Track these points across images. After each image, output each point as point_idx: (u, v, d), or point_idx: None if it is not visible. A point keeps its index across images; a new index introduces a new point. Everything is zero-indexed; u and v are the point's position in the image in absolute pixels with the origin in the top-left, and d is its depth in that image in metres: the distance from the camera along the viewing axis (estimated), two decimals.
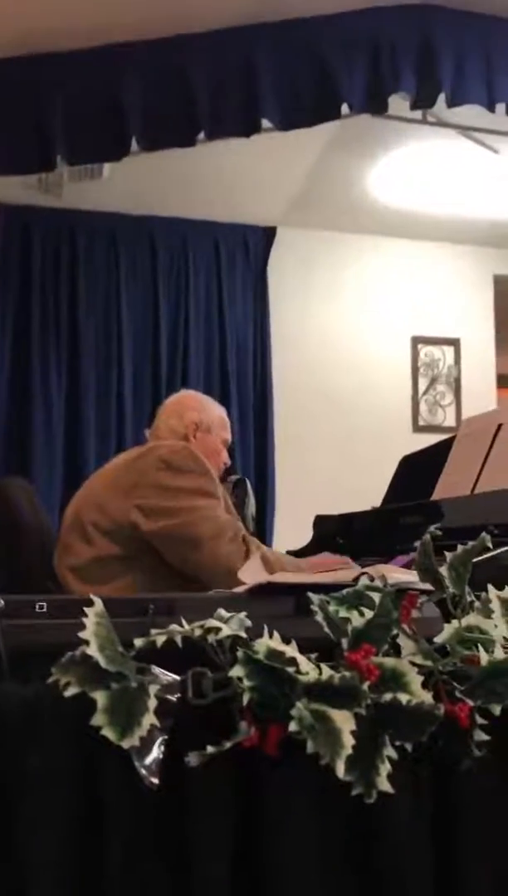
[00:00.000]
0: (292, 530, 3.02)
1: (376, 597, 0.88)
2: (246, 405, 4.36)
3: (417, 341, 4.70)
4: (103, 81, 2.91)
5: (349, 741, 0.76)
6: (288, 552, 2.36)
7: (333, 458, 4.39)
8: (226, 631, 0.81)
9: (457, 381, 4.73)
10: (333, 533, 2.32)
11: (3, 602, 1.05)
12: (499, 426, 2.05)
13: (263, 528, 4.15)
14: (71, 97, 2.90)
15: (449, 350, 4.73)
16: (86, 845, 0.83)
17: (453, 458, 2.17)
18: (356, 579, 1.26)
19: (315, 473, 4.32)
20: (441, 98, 2.97)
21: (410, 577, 1.24)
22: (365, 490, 2.57)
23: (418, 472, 2.36)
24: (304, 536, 2.45)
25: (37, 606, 1.17)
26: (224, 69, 2.92)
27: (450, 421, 4.67)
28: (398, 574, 1.27)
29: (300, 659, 0.79)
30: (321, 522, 2.48)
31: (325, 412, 4.47)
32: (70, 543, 1.91)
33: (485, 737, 0.84)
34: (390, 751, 0.79)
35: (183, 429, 2.07)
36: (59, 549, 1.94)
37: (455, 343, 4.74)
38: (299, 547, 2.41)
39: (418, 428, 4.64)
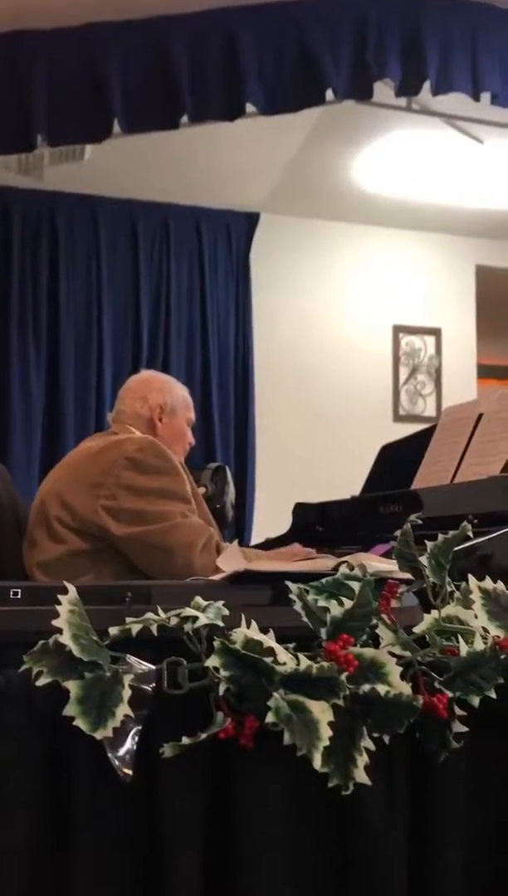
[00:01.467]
0: (271, 518, 3.01)
1: (355, 586, 0.87)
2: (226, 392, 4.33)
3: (398, 330, 4.69)
4: (86, 62, 2.86)
5: (326, 732, 0.75)
6: (267, 539, 2.34)
7: (312, 446, 4.38)
8: (203, 620, 0.80)
9: (438, 370, 4.73)
10: (312, 521, 2.31)
11: None
12: (479, 416, 2.04)
13: (242, 516, 4.14)
14: (53, 77, 2.85)
15: (430, 340, 4.73)
16: (55, 835, 0.82)
17: (433, 448, 2.16)
18: (336, 568, 1.25)
19: (295, 461, 4.31)
20: (426, 86, 2.94)
21: (389, 566, 1.23)
22: (345, 478, 2.56)
23: (398, 461, 2.36)
24: (283, 524, 2.44)
25: (11, 593, 1.16)
26: (209, 52, 2.88)
27: (430, 411, 4.68)
28: (378, 563, 1.26)
29: (278, 649, 0.78)
30: (300, 510, 2.47)
31: (305, 400, 4.46)
32: (37, 539, 1.87)
33: (463, 728, 0.83)
34: (367, 742, 0.79)
35: (148, 412, 2.03)
36: (26, 543, 1.90)
37: (436, 333, 4.74)
38: (277, 535, 2.40)
39: (398, 417, 4.64)
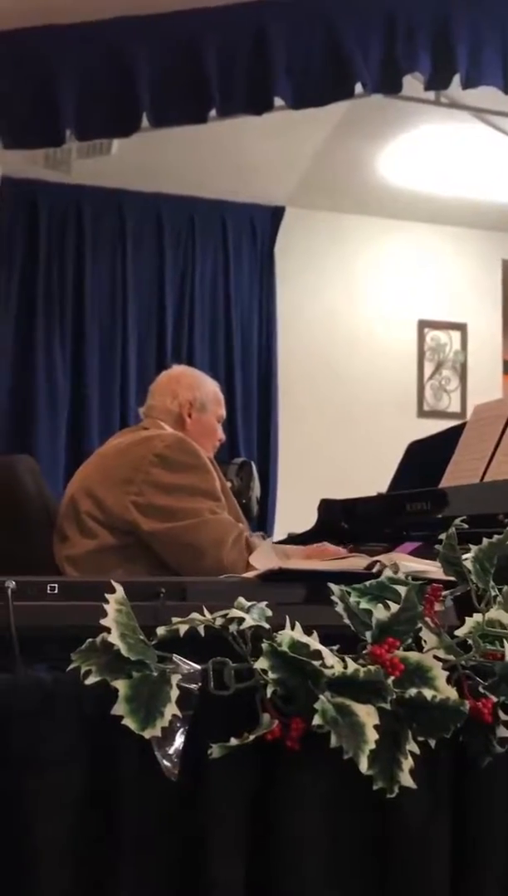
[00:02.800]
0: (293, 513, 3.01)
1: (400, 589, 0.87)
2: (250, 387, 4.34)
3: (423, 325, 4.67)
4: (114, 56, 2.87)
5: (372, 736, 0.75)
6: (290, 535, 2.34)
7: (337, 441, 4.37)
8: (249, 621, 0.81)
9: (463, 366, 4.70)
10: (338, 518, 2.30)
11: (14, 583, 1.04)
12: None
13: (265, 511, 4.14)
14: (81, 72, 2.86)
15: (456, 335, 4.70)
16: (100, 834, 0.83)
17: (462, 445, 2.15)
18: (370, 567, 1.25)
19: (318, 456, 4.31)
20: (456, 80, 2.92)
21: (422, 566, 1.23)
22: (368, 474, 2.56)
23: (425, 458, 2.35)
24: (306, 520, 2.44)
25: (48, 588, 1.17)
26: (237, 46, 2.87)
27: (455, 406, 4.65)
28: (412, 563, 1.26)
29: (325, 652, 0.78)
30: (325, 507, 2.46)
31: (329, 395, 4.45)
32: (67, 533, 1.89)
33: (507, 733, 0.83)
34: (412, 746, 0.79)
35: (178, 408, 2.04)
36: (56, 537, 1.92)
37: (461, 328, 4.71)
38: (301, 531, 2.40)
39: (422, 413, 4.62)
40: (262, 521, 4.01)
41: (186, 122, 2.98)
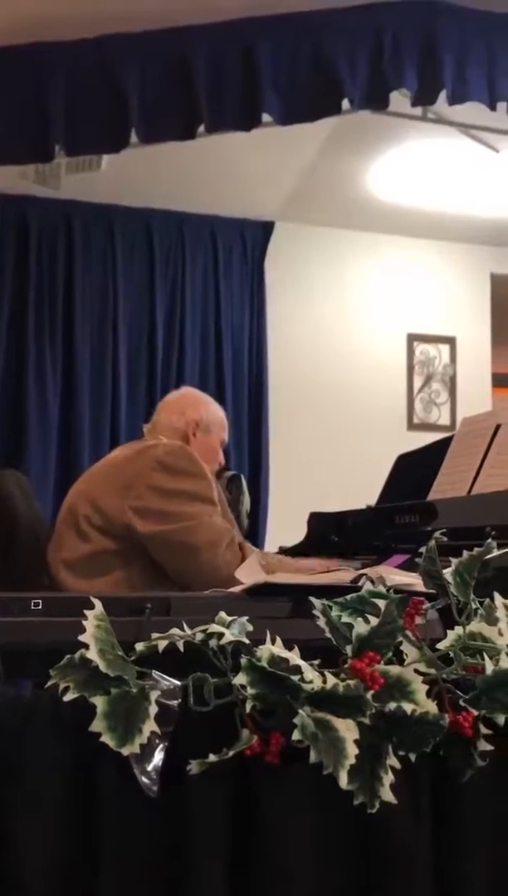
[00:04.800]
0: (284, 526, 3.01)
1: (380, 602, 0.86)
2: (241, 400, 4.34)
3: (413, 339, 4.69)
4: (104, 72, 2.88)
5: (352, 750, 0.75)
6: (281, 548, 2.35)
7: (326, 454, 4.37)
8: (229, 636, 0.80)
9: (452, 379, 4.72)
10: (327, 530, 2.30)
11: None
12: (497, 426, 2.04)
13: (255, 524, 4.13)
14: (70, 87, 2.87)
15: (445, 348, 4.72)
16: (82, 851, 0.82)
17: (450, 458, 2.16)
18: (355, 580, 1.25)
19: (309, 470, 4.31)
20: (442, 96, 2.94)
21: (408, 578, 1.23)
22: (358, 487, 2.56)
23: (414, 470, 2.35)
24: (297, 533, 2.44)
25: (32, 604, 1.16)
26: (226, 62, 2.89)
27: (445, 419, 4.66)
28: (397, 576, 1.26)
29: (304, 666, 0.78)
30: (315, 519, 2.47)
31: (319, 408, 4.46)
32: (64, 537, 1.89)
33: (489, 747, 0.83)
34: (393, 760, 0.78)
35: (183, 426, 2.06)
36: (53, 541, 1.93)
37: (450, 341, 4.73)
38: (291, 544, 2.40)
39: (412, 426, 4.63)
40: (252, 534, 4.00)
41: (175, 137, 2.99)
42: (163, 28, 2.88)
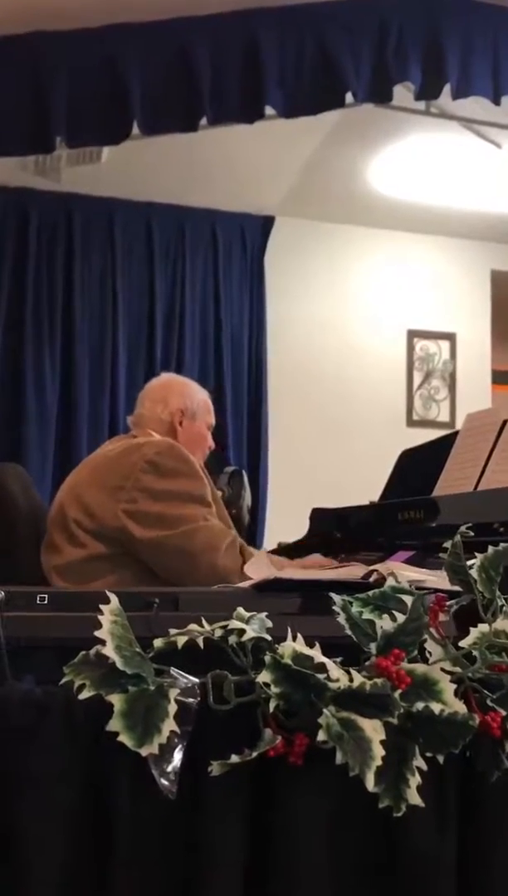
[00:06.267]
0: (283, 522, 2.99)
1: (406, 599, 0.84)
2: (240, 395, 4.32)
3: (413, 335, 4.67)
4: (105, 63, 2.85)
5: (379, 752, 0.73)
6: (280, 544, 2.32)
7: (326, 450, 4.36)
8: (249, 633, 0.78)
9: (452, 376, 4.70)
10: (330, 527, 2.28)
11: (3, 593, 1.01)
12: (504, 422, 2.02)
13: (255, 520, 4.12)
14: (72, 78, 2.84)
15: (445, 345, 4.71)
16: (95, 853, 0.80)
17: (455, 454, 2.14)
18: (367, 576, 1.23)
19: (308, 466, 4.29)
20: (446, 90, 2.92)
21: (420, 574, 1.21)
22: (358, 483, 2.54)
23: (418, 467, 2.33)
24: (295, 529, 2.41)
25: (38, 598, 1.14)
26: (229, 54, 2.86)
27: (444, 416, 4.65)
28: (408, 572, 1.24)
29: (330, 665, 0.76)
30: (317, 516, 2.44)
31: (319, 404, 4.44)
32: (56, 542, 1.86)
33: None
34: (419, 762, 0.76)
35: (168, 416, 2.02)
36: (44, 546, 1.89)
37: (450, 338, 4.71)
38: (290, 540, 2.38)
39: (412, 422, 4.61)
40: (253, 530, 3.99)
41: (177, 130, 2.96)
42: (165, 19, 2.85)
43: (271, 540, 3.69)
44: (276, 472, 4.32)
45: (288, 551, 2.04)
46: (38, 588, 1.23)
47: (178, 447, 1.88)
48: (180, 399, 2.05)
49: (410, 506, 1.87)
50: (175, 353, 4.20)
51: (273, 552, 2.19)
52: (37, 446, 3.92)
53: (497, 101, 3.01)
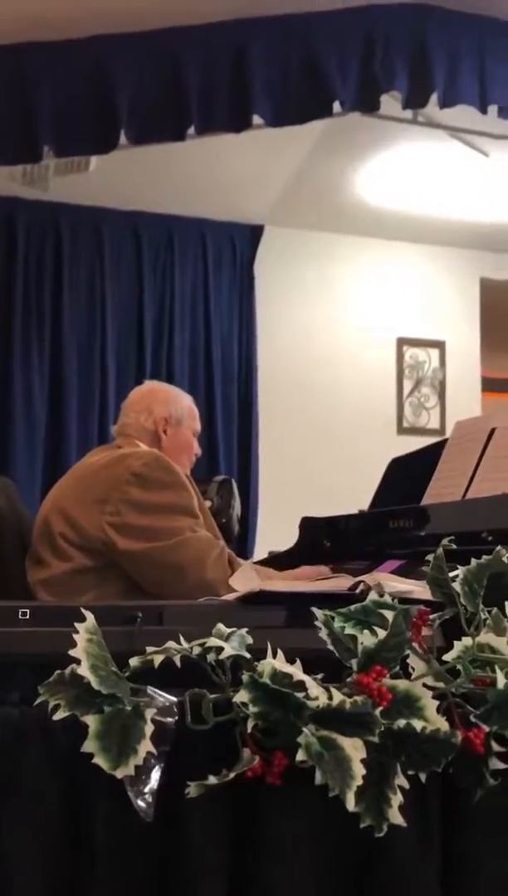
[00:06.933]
0: (274, 531, 2.98)
1: (386, 613, 0.83)
2: (230, 404, 4.31)
3: (402, 343, 4.67)
4: (93, 73, 2.84)
5: (359, 771, 0.71)
6: (271, 553, 2.30)
7: (316, 458, 4.35)
8: (228, 651, 0.76)
9: (442, 383, 4.71)
10: (320, 536, 2.27)
11: None
12: (492, 430, 2.01)
13: (245, 529, 4.10)
14: (60, 88, 2.83)
15: (434, 352, 4.71)
16: (74, 876, 0.78)
17: (444, 462, 2.13)
18: (353, 588, 1.21)
19: (298, 474, 4.28)
20: (433, 99, 2.93)
21: (407, 586, 1.20)
22: (348, 491, 2.53)
23: (407, 475, 2.32)
24: (286, 538, 2.40)
25: (19, 614, 1.12)
26: (216, 63, 2.86)
27: (434, 423, 4.65)
28: (395, 583, 1.22)
29: (309, 682, 0.74)
30: (307, 525, 2.43)
31: (309, 413, 4.43)
32: (41, 556, 1.83)
33: (501, 765, 0.79)
34: (402, 780, 0.75)
35: (152, 425, 1.99)
36: (29, 560, 1.87)
37: (440, 346, 4.72)
38: (281, 548, 2.36)
39: (402, 430, 4.61)
40: (243, 539, 3.97)
41: (165, 139, 2.96)
42: (153, 29, 2.85)
43: (262, 548, 3.67)
44: (266, 481, 4.31)
45: (278, 561, 2.03)
46: (20, 602, 1.21)
47: (163, 458, 1.86)
48: (164, 407, 2.03)
49: (399, 515, 1.86)
50: (165, 363, 4.19)
51: (264, 562, 2.18)
52: (25, 457, 3.90)
53: (483, 110, 3.02)
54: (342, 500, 2.39)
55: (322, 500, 2.57)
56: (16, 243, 3.99)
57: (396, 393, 4.65)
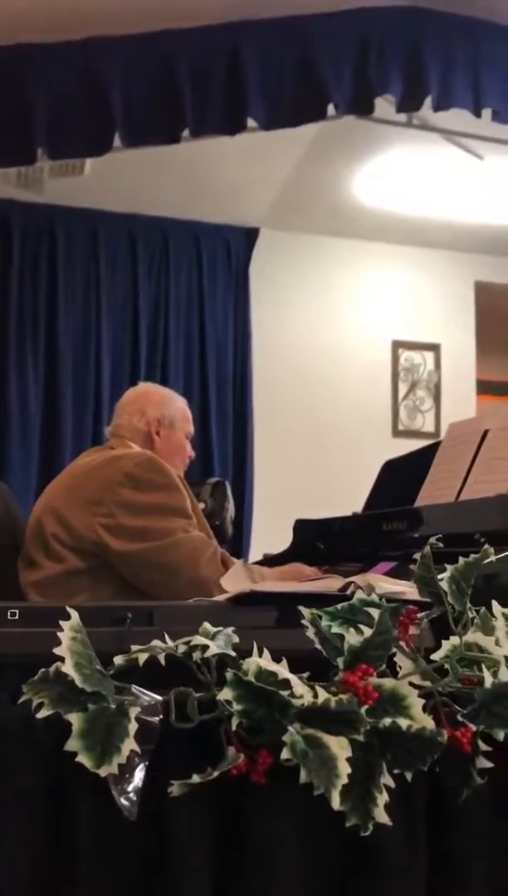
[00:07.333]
0: (269, 533, 2.97)
1: (373, 612, 0.82)
2: (225, 407, 4.30)
3: (397, 346, 4.67)
4: (88, 75, 2.85)
5: (345, 770, 0.71)
6: (265, 555, 2.30)
7: (311, 461, 4.35)
8: (213, 649, 0.76)
9: (437, 386, 4.71)
10: (313, 538, 2.27)
11: None
12: (485, 432, 2.01)
13: (240, 531, 4.10)
14: (54, 90, 2.83)
15: (430, 355, 4.71)
16: (58, 876, 0.78)
17: (437, 464, 2.13)
18: (344, 588, 1.21)
19: (293, 476, 4.28)
20: (427, 102, 2.94)
21: (398, 587, 1.19)
22: (343, 494, 2.53)
23: (401, 477, 2.32)
24: (281, 540, 2.40)
25: (8, 614, 1.11)
26: (211, 66, 2.87)
27: (429, 426, 4.65)
28: (386, 584, 1.22)
29: (294, 681, 0.74)
30: (301, 526, 2.43)
31: (304, 415, 4.43)
32: (34, 557, 1.83)
33: (488, 764, 0.79)
34: (387, 779, 0.74)
35: (146, 426, 1.98)
36: (22, 563, 1.86)
37: (435, 348, 4.72)
38: (276, 551, 2.36)
39: (397, 433, 4.61)
40: (237, 541, 3.97)
41: (159, 142, 2.96)
42: (148, 31, 2.85)
43: (257, 551, 3.67)
44: (262, 483, 4.30)
45: (273, 563, 2.02)
46: (9, 603, 1.20)
47: (156, 459, 1.86)
48: (158, 408, 2.02)
49: (392, 517, 1.85)
50: (160, 365, 4.19)
51: (258, 563, 2.17)
52: (20, 459, 3.89)
53: (477, 114, 3.02)
54: (337, 502, 2.39)
55: (317, 503, 2.57)
56: (10, 246, 3.99)
57: (391, 396, 4.65)
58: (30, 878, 0.78)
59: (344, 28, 2.92)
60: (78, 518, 1.77)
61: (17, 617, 1.11)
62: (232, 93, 2.86)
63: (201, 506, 2.39)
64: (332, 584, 1.31)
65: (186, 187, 3.96)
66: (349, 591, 1.16)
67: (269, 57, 2.88)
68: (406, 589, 1.13)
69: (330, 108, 2.91)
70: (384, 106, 3.00)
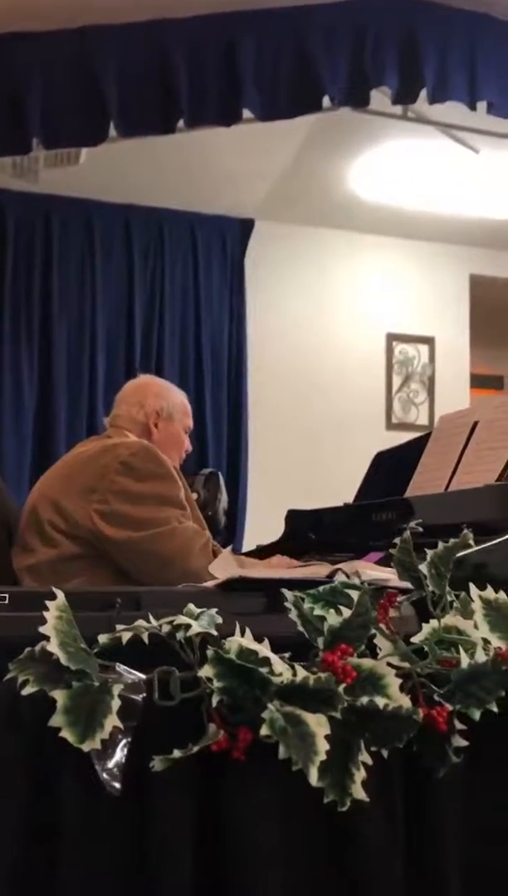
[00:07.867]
0: (262, 524, 2.98)
1: (353, 594, 0.84)
2: (220, 398, 4.31)
3: (392, 339, 4.69)
4: (82, 64, 2.84)
5: (323, 746, 0.72)
6: (258, 546, 2.32)
7: (305, 453, 4.36)
8: (195, 628, 0.77)
9: (431, 379, 4.72)
10: (305, 528, 2.28)
11: None
12: (475, 424, 2.03)
13: (234, 522, 4.11)
14: (48, 80, 2.83)
15: (424, 348, 4.73)
16: (41, 852, 0.79)
17: (427, 455, 2.14)
18: (331, 575, 1.22)
19: (287, 468, 4.29)
20: (423, 95, 2.94)
21: (385, 574, 1.21)
22: (337, 485, 2.54)
23: (392, 468, 2.34)
24: (274, 531, 2.42)
25: None
26: (207, 56, 2.86)
27: (423, 419, 4.66)
28: (373, 571, 1.23)
29: (274, 659, 0.75)
30: (293, 517, 2.44)
31: (298, 407, 4.45)
32: (28, 543, 1.84)
33: (463, 742, 0.81)
34: (365, 756, 0.76)
35: (144, 418, 2.00)
36: (16, 548, 1.87)
37: (429, 341, 4.73)
38: (269, 542, 2.37)
39: (391, 425, 4.63)
40: (231, 532, 3.98)
41: (154, 132, 2.96)
42: (143, 20, 2.84)
43: (250, 542, 3.68)
44: (256, 475, 4.32)
45: (264, 553, 2.04)
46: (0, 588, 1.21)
47: (152, 448, 1.87)
48: (157, 400, 2.04)
49: (382, 507, 1.87)
50: (154, 356, 4.19)
51: (249, 554, 2.19)
52: (14, 450, 3.90)
53: (472, 107, 3.03)
54: (330, 494, 2.41)
55: (311, 495, 2.59)
56: (5, 235, 3.99)
57: (385, 388, 4.66)
58: (12, 849, 0.80)
59: (340, 19, 2.92)
60: (73, 504, 1.79)
61: (6, 601, 1.13)
62: (228, 83, 2.86)
63: (194, 496, 2.41)
64: (320, 570, 1.33)
65: (181, 178, 3.96)
66: (335, 578, 1.18)
67: (265, 48, 2.88)
68: (392, 576, 1.15)
69: (326, 100, 2.91)
70: (380, 98, 3.01)
